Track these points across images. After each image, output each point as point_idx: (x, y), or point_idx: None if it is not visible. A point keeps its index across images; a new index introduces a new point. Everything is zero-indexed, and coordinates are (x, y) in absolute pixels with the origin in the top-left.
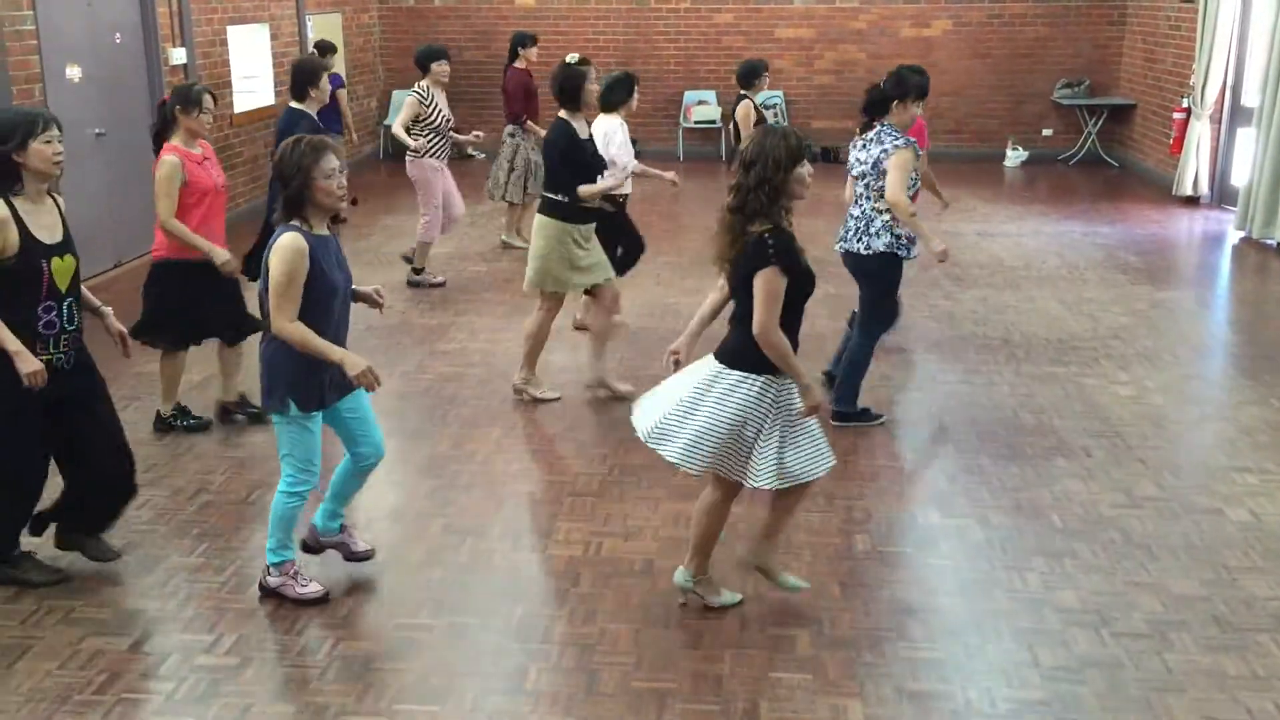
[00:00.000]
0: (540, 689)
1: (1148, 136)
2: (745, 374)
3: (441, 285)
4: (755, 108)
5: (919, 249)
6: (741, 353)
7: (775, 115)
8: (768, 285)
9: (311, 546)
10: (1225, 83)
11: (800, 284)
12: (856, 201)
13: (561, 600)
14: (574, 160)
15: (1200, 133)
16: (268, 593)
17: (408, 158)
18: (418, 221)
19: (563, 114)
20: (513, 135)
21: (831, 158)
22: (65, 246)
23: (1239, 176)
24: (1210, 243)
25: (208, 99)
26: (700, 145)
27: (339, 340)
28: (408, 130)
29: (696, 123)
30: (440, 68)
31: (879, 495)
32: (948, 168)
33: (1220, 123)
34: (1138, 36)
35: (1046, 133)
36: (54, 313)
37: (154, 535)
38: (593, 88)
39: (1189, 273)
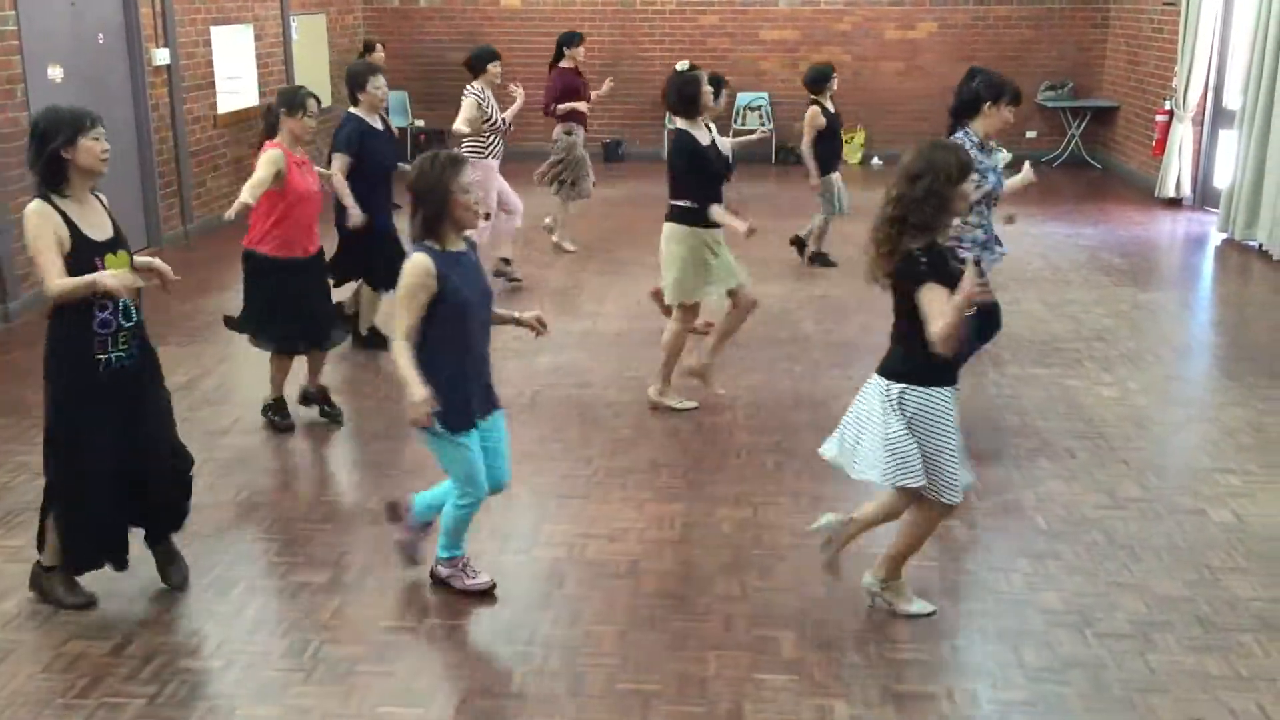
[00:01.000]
0: (526, 691)
1: (1130, 138)
2: (929, 388)
3: (519, 282)
4: (825, 112)
5: (1001, 249)
6: (915, 370)
7: (760, 117)
8: (933, 297)
9: (395, 515)
10: (1207, 85)
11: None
12: None
13: (547, 602)
14: (700, 168)
15: (1182, 135)
16: (438, 582)
17: None
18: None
19: (680, 123)
20: (569, 133)
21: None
22: (117, 243)
23: (1221, 178)
24: (1193, 244)
25: (311, 102)
26: None
27: (480, 356)
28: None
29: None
30: (495, 68)
31: (865, 497)
32: None
33: (1202, 125)
34: (1120, 39)
35: (1030, 135)
36: (108, 310)
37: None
38: (708, 90)
39: (1172, 274)
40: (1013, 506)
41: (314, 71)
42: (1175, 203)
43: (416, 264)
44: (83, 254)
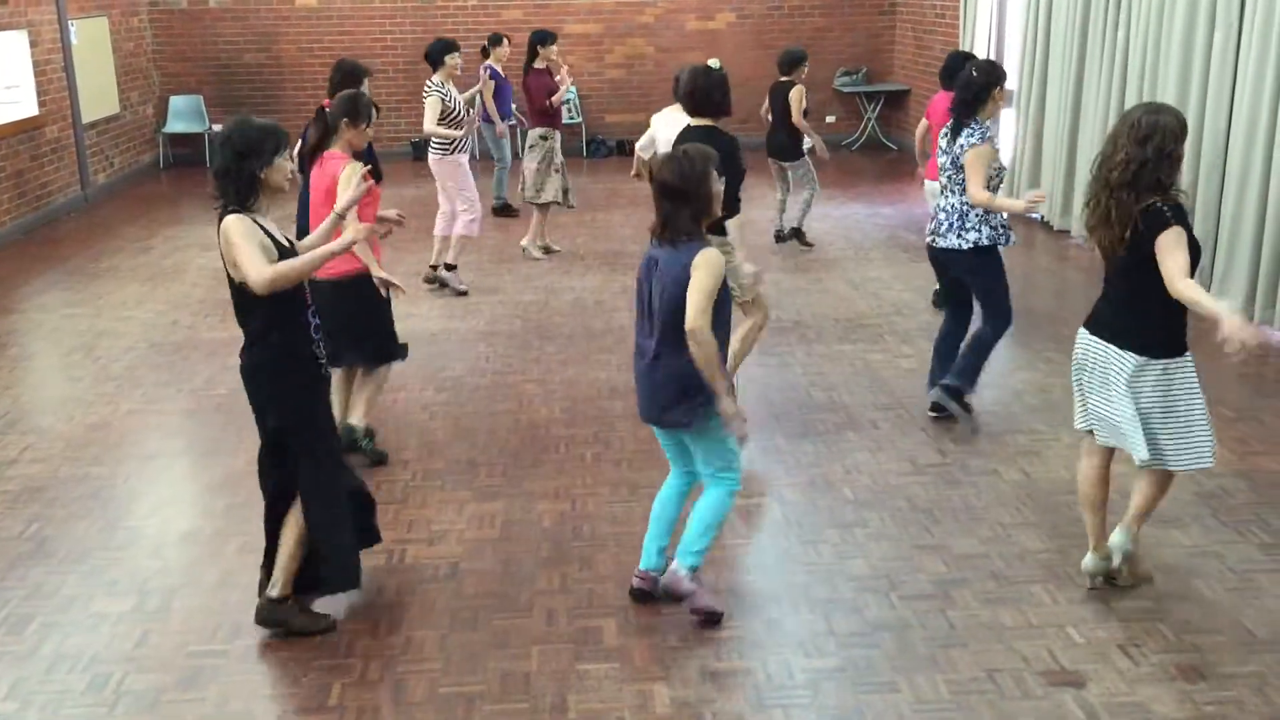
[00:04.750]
0: (345, 704)
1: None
2: (1174, 358)
3: (465, 294)
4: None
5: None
6: (1159, 341)
7: (569, 110)
8: (1178, 241)
9: (648, 592)
10: None
11: (1193, 251)
12: (945, 194)
13: (365, 612)
14: (735, 172)
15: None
16: (671, 597)
17: (433, 156)
18: (436, 221)
19: (709, 122)
20: (544, 138)
21: (628, 150)
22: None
23: (1003, 156)
24: None
25: (374, 113)
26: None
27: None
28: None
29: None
30: (454, 60)
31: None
32: None
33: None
34: (908, 26)
35: (830, 119)
36: (314, 314)
37: None
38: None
39: None
40: (821, 480)
41: (98, 77)
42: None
43: (720, 262)
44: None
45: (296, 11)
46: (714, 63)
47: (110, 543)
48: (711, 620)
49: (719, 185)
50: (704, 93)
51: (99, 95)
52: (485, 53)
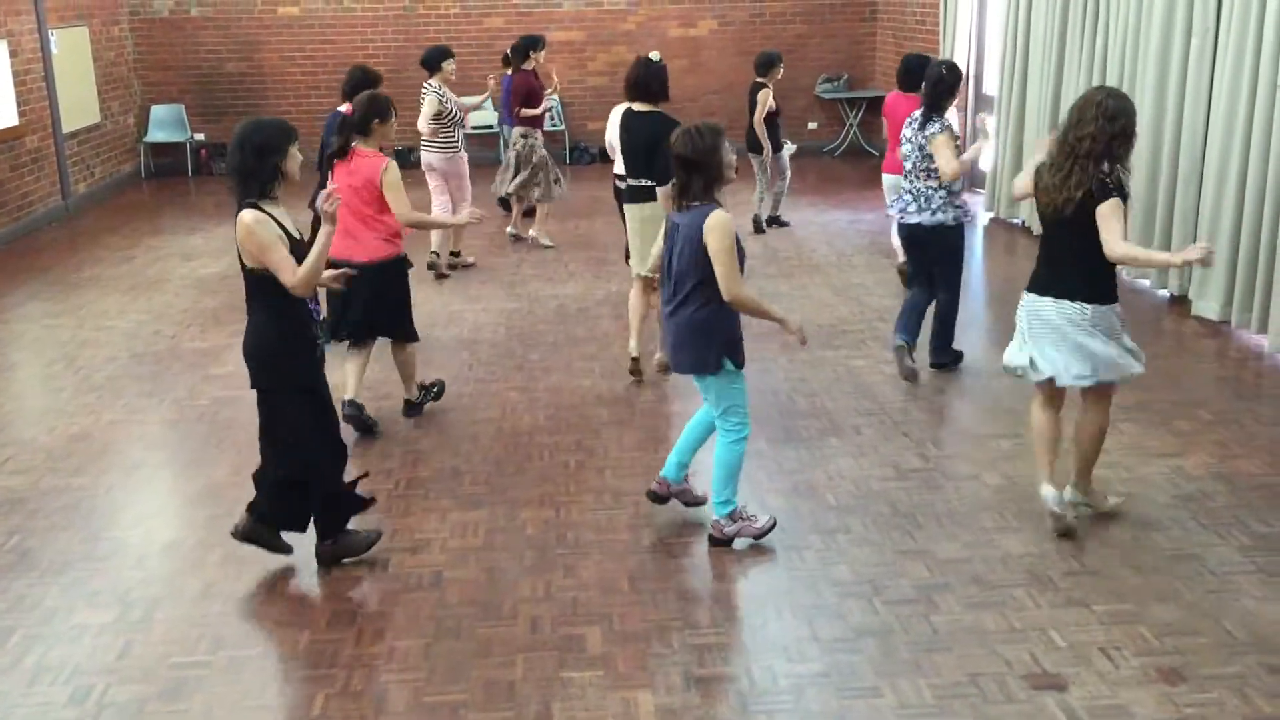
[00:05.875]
0: (329, 715)
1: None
2: (1114, 304)
3: (473, 265)
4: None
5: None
6: (1102, 292)
7: (551, 116)
8: (1116, 210)
9: (661, 496)
10: (968, 73)
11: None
12: (910, 179)
13: (349, 622)
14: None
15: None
16: (720, 543)
17: (435, 155)
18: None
19: (652, 107)
20: (525, 136)
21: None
22: (303, 241)
23: (985, 160)
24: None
25: (393, 107)
26: (477, 150)
27: None
28: (435, 126)
29: (474, 128)
30: (449, 66)
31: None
32: None
33: (966, 110)
34: (888, 32)
35: (812, 125)
36: (313, 302)
37: None
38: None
39: None
40: (805, 486)
41: (79, 87)
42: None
43: (728, 221)
44: (294, 252)
45: (278, 20)
46: (654, 55)
47: (92, 554)
48: (767, 533)
49: (730, 156)
50: (644, 81)
51: (80, 105)
52: (508, 60)
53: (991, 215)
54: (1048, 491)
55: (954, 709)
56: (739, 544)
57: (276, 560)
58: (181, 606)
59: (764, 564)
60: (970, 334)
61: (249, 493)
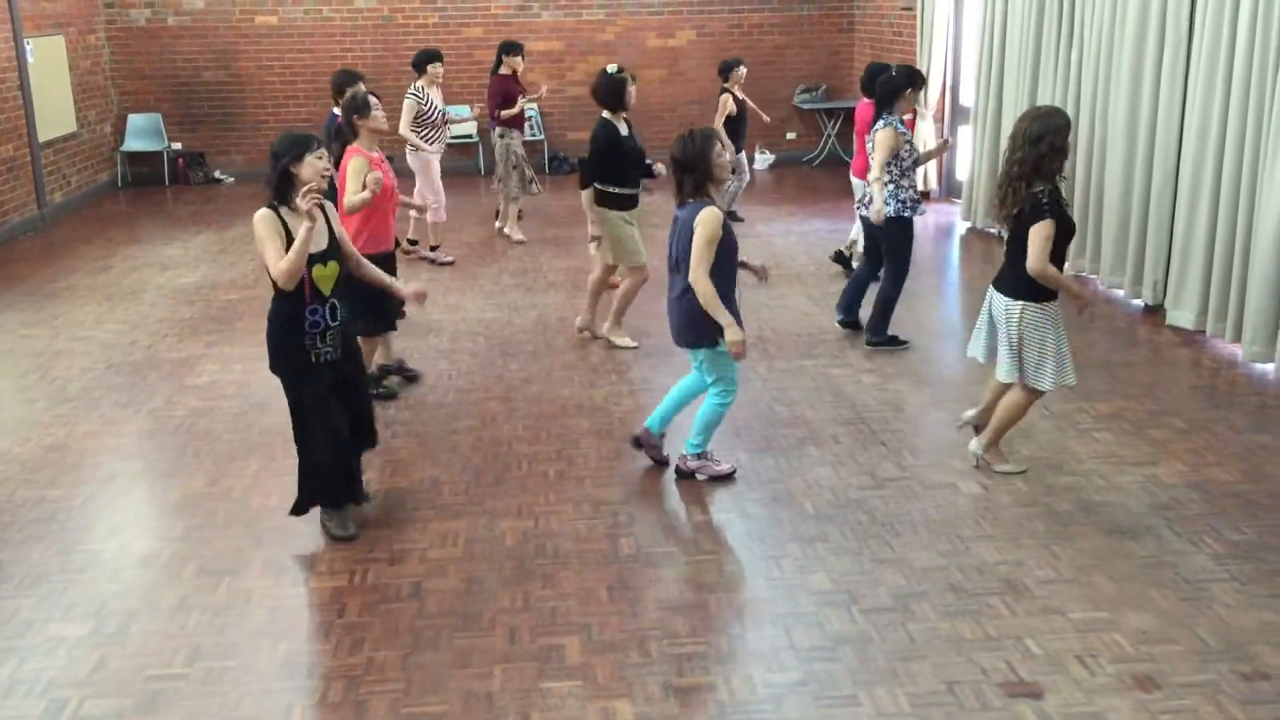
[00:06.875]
0: None
1: None
2: (1031, 303)
3: (451, 264)
4: (735, 101)
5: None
6: (1026, 287)
7: (531, 126)
8: (1043, 233)
9: (643, 443)
10: (945, 84)
11: (1066, 230)
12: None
13: (327, 633)
14: (614, 154)
15: (926, 132)
16: (683, 475)
17: (408, 151)
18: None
19: (605, 114)
20: (502, 136)
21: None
22: (328, 254)
23: (962, 171)
24: (941, 234)
25: (373, 99)
26: (458, 160)
27: (734, 291)
28: (415, 131)
29: (453, 137)
30: (434, 69)
31: (642, 498)
32: None
33: (943, 121)
34: (866, 43)
35: (790, 136)
36: (318, 314)
37: None
38: (633, 90)
39: (924, 263)
40: (784, 495)
41: (55, 95)
42: (924, 195)
43: (717, 215)
44: (313, 260)
45: (256, 29)
46: (611, 67)
47: (67, 566)
48: (725, 477)
49: (722, 158)
50: (600, 90)
51: (56, 113)
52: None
53: (969, 225)
54: (970, 413)
55: (931, 717)
56: (700, 475)
57: (252, 570)
58: (158, 619)
59: (742, 573)
60: (948, 342)
61: (226, 504)
